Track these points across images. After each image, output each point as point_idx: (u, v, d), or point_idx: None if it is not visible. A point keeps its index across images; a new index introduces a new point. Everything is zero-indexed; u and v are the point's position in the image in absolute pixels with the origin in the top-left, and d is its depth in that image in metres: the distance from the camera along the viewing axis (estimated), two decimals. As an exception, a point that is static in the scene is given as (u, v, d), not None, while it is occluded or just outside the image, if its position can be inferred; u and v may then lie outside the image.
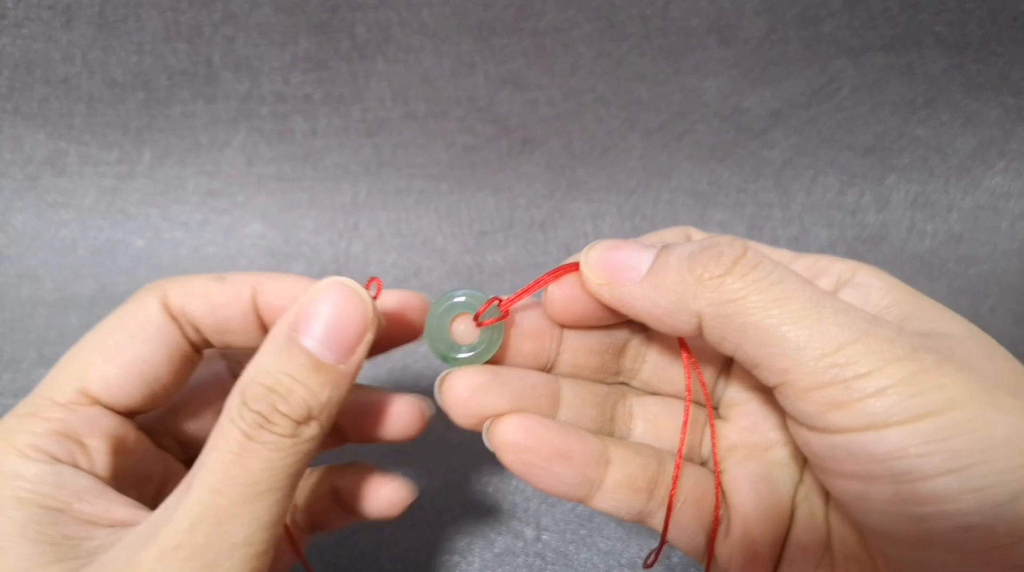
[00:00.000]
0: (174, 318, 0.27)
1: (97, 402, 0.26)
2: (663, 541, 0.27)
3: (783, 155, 0.60)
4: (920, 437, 0.20)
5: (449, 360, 0.26)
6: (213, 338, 0.28)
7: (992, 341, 0.24)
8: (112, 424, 0.26)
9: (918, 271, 0.61)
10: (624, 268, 0.24)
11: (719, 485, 0.28)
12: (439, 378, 0.26)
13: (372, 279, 0.26)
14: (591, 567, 0.40)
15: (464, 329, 0.26)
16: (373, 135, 0.57)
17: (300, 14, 0.51)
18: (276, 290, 0.28)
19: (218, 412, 0.30)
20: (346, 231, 0.59)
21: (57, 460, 0.24)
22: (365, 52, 0.53)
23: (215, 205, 0.59)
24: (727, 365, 0.30)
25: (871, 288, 0.25)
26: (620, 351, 0.29)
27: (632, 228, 0.61)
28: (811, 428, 0.22)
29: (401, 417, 0.30)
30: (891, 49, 0.55)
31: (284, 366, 0.23)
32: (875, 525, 0.23)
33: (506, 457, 0.26)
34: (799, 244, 0.61)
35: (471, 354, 0.26)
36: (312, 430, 0.24)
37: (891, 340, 0.21)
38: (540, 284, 0.26)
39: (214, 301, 0.27)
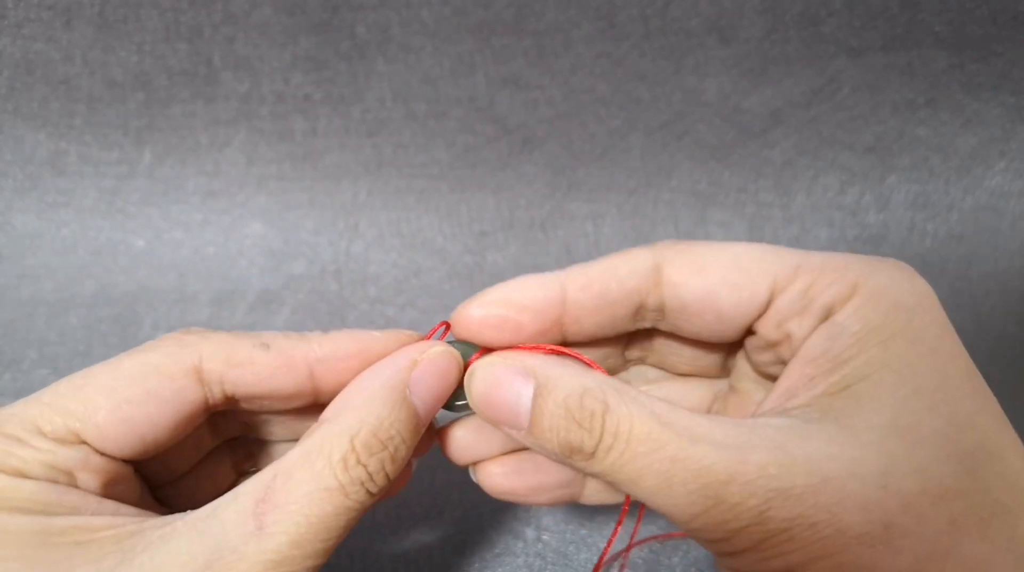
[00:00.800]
0: (203, 383, 0.26)
1: (85, 444, 0.24)
2: (603, 556, 0.30)
3: (783, 155, 0.60)
4: None
5: (451, 408, 0.28)
6: (248, 403, 0.27)
7: (923, 422, 0.21)
8: (102, 462, 0.25)
9: (919, 271, 0.61)
10: (507, 417, 0.25)
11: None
12: (439, 429, 0.30)
13: (443, 323, 0.28)
14: (591, 567, 0.40)
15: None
16: (373, 135, 0.57)
17: (300, 14, 0.51)
18: (335, 350, 0.27)
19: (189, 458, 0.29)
20: (346, 231, 0.59)
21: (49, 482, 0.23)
22: (365, 52, 0.53)
23: (215, 205, 0.59)
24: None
25: (842, 333, 0.23)
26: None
27: (632, 228, 0.61)
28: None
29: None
30: (891, 49, 0.55)
31: (397, 423, 0.24)
32: None
33: (491, 493, 0.30)
34: (799, 244, 0.61)
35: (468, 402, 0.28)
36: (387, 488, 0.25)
37: (738, 506, 0.21)
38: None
39: (260, 371, 0.26)
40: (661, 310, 0.27)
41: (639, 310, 0.27)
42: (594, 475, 0.23)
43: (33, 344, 0.52)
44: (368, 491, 0.23)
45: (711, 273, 0.25)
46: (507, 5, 0.51)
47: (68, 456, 0.24)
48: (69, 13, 0.50)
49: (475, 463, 0.30)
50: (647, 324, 0.28)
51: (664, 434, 0.22)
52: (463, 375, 0.27)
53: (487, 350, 0.27)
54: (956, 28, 0.54)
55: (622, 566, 0.35)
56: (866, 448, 0.20)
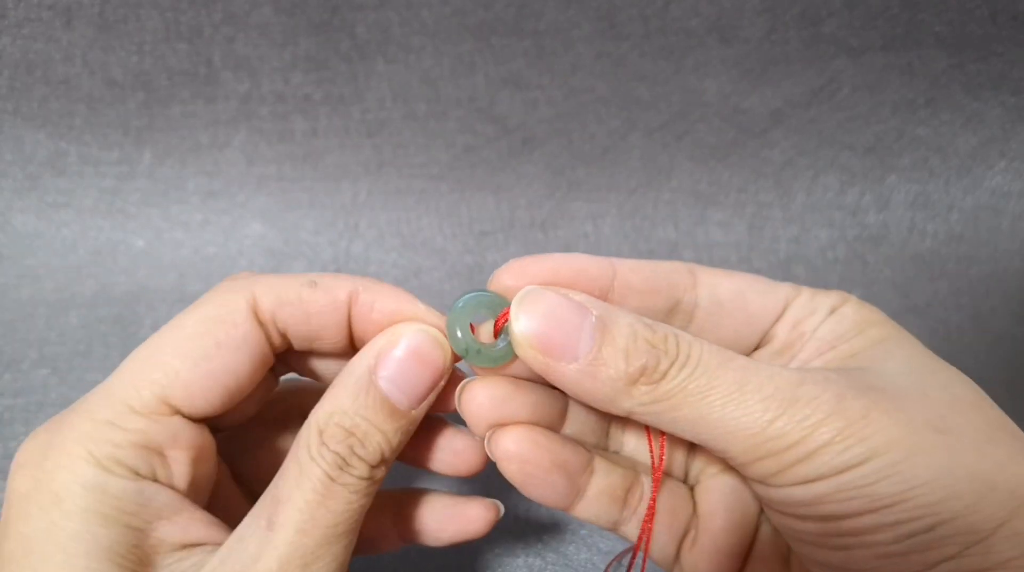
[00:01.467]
0: (262, 324, 0.26)
1: (178, 412, 0.25)
2: (637, 549, 0.29)
3: (783, 155, 0.60)
4: (844, 486, 0.22)
5: (471, 356, 0.26)
6: (300, 344, 0.28)
7: (937, 372, 0.24)
8: (193, 435, 0.25)
9: (919, 271, 0.61)
10: (560, 349, 0.23)
11: (650, 533, 0.29)
12: (460, 386, 0.27)
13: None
14: (591, 567, 0.40)
15: (484, 329, 0.26)
16: (373, 135, 0.57)
17: (300, 14, 0.51)
18: (374, 302, 0.27)
19: (256, 407, 0.30)
20: (346, 231, 0.59)
21: (139, 475, 0.24)
22: (365, 52, 0.53)
23: (215, 205, 0.59)
24: None
25: (844, 319, 0.27)
26: None
27: (632, 228, 0.61)
28: (751, 480, 0.24)
29: (476, 521, 0.30)
30: (891, 49, 0.55)
31: (362, 409, 0.24)
32: (803, 553, 0.25)
33: (508, 468, 0.27)
34: (799, 244, 0.61)
35: (495, 353, 0.26)
36: (382, 473, 0.24)
37: (815, 400, 0.22)
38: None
39: (309, 309, 0.26)
40: (691, 314, 0.28)
41: (672, 309, 0.28)
42: (649, 404, 0.23)
43: (33, 344, 0.52)
44: (356, 475, 0.24)
45: (739, 279, 0.28)
46: (507, 5, 0.51)
47: (160, 432, 0.24)
48: (69, 13, 0.50)
49: (493, 429, 0.27)
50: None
51: (732, 353, 0.23)
52: (452, 360, 0.26)
53: None
54: (956, 28, 0.54)
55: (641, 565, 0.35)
56: (895, 378, 0.23)
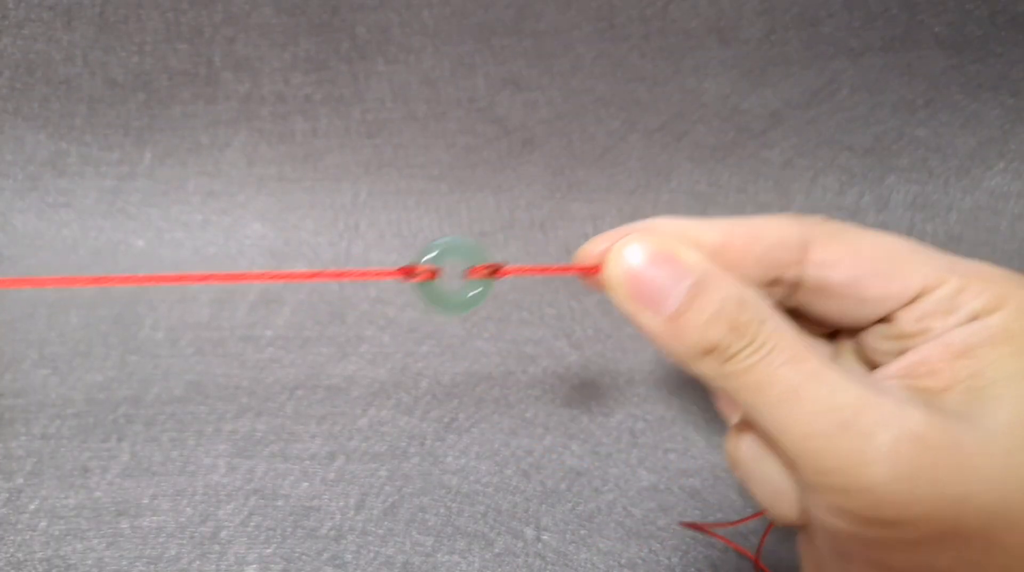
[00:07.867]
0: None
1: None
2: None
3: (783, 156, 0.60)
4: (867, 541, 0.20)
5: (433, 297, 0.26)
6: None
7: None
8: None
9: (918, 271, 0.61)
10: (651, 298, 0.23)
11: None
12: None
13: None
14: (591, 567, 0.40)
15: (451, 275, 0.27)
16: (373, 136, 0.57)
17: (301, 15, 0.51)
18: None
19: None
20: (346, 231, 0.59)
21: None
22: (366, 53, 0.53)
23: (216, 205, 0.59)
24: None
25: (985, 331, 0.23)
26: None
27: (632, 228, 0.61)
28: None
29: None
30: (891, 50, 0.55)
31: None
32: None
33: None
34: (799, 244, 0.61)
35: (467, 298, 0.27)
36: None
37: (868, 437, 0.20)
38: (549, 271, 0.28)
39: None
40: (795, 286, 0.26)
41: (772, 283, 0.26)
42: (714, 377, 0.23)
43: (33, 344, 0.52)
44: None
45: (863, 261, 0.25)
46: (507, 5, 0.52)
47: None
48: (70, 13, 0.50)
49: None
50: (773, 299, 0.27)
51: (808, 352, 0.22)
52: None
53: (498, 266, 0.28)
54: (955, 29, 0.55)
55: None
56: (991, 434, 0.20)
